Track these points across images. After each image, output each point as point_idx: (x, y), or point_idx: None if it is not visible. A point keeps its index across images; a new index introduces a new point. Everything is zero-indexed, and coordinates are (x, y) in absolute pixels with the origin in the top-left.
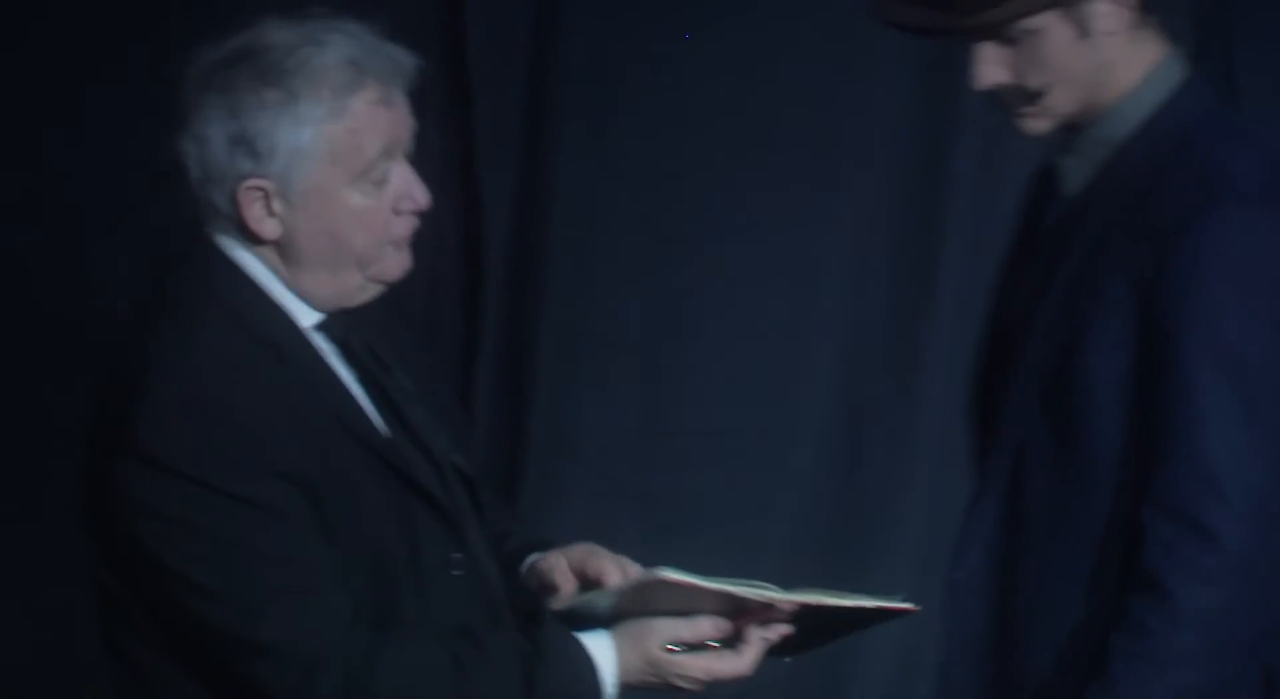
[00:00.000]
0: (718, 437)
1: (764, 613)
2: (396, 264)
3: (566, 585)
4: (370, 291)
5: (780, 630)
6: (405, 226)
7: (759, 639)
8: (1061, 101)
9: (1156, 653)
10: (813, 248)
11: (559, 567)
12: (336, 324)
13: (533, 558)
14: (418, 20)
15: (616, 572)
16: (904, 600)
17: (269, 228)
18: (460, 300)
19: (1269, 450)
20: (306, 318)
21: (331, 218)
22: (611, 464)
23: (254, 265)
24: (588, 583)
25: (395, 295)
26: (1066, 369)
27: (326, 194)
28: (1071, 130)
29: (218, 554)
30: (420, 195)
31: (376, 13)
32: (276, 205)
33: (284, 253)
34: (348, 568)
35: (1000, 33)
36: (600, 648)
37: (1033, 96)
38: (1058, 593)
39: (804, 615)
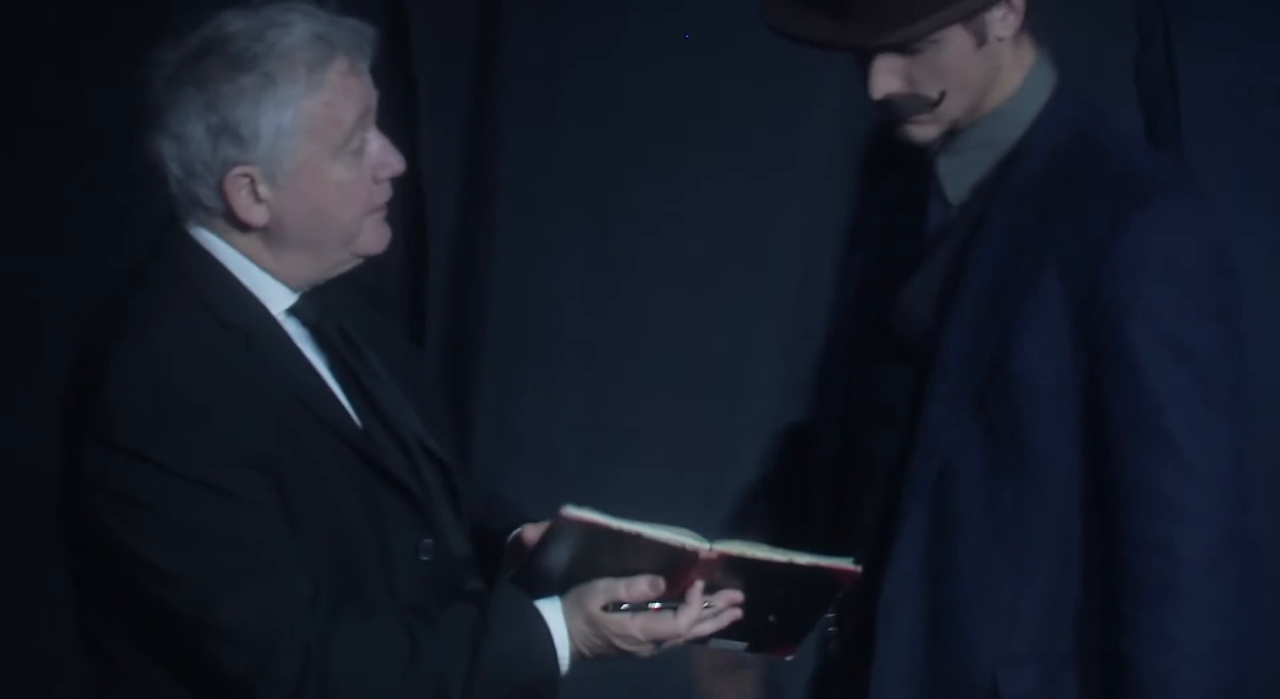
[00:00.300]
0: (663, 433)
1: (698, 569)
2: (378, 238)
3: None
4: (350, 264)
5: (729, 597)
6: (384, 194)
7: (699, 600)
8: (955, 108)
9: (1190, 657)
10: (757, 245)
11: (531, 537)
12: (310, 308)
13: (515, 533)
14: (360, 14)
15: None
16: (850, 561)
17: (257, 214)
18: (404, 296)
19: (1232, 436)
20: (279, 303)
21: (318, 194)
22: (557, 460)
23: (226, 252)
24: None
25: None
26: (998, 376)
27: (312, 170)
28: (949, 134)
29: (177, 538)
30: (396, 160)
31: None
32: (263, 190)
33: (270, 237)
34: (311, 553)
35: (903, 46)
36: (551, 612)
37: (928, 104)
38: (1002, 598)
39: (742, 576)
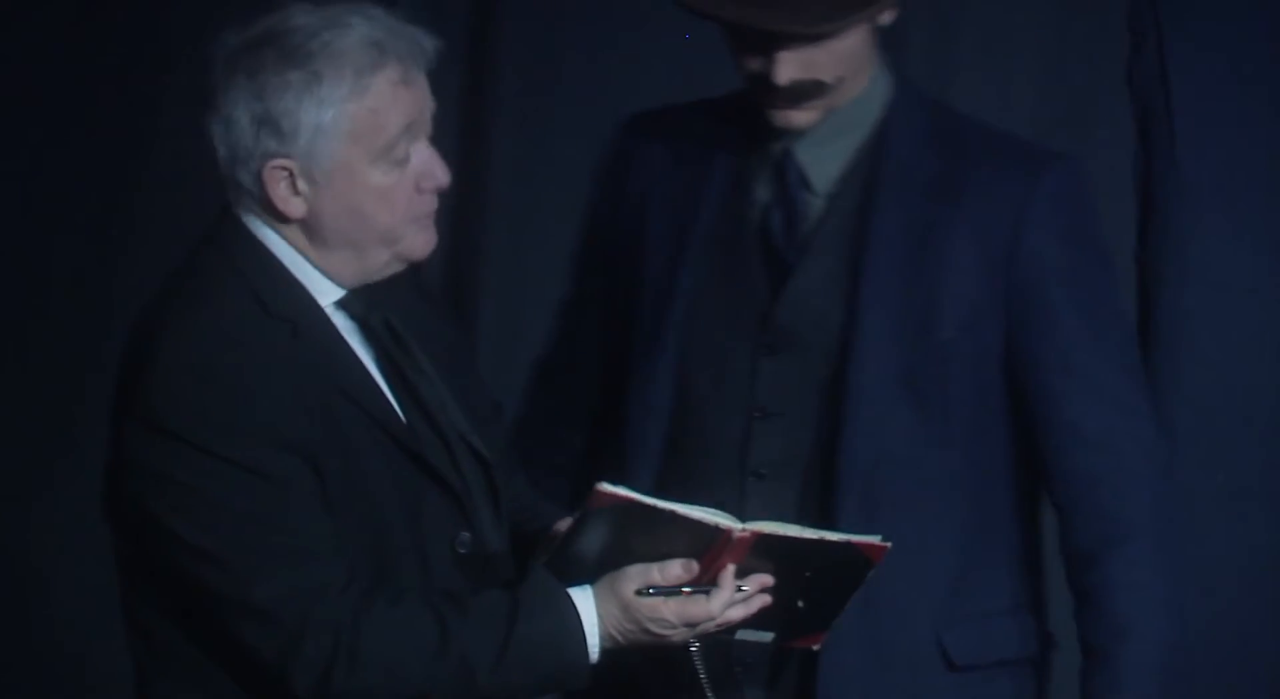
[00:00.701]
0: None
1: (728, 549)
2: (423, 242)
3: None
4: (395, 267)
5: (760, 581)
6: (427, 204)
7: (731, 583)
8: (844, 93)
9: (1151, 589)
10: None
11: (562, 529)
12: (358, 301)
13: (550, 530)
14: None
15: None
16: (879, 538)
17: (294, 207)
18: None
19: (1142, 376)
20: (328, 295)
21: (355, 196)
22: None
23: (277, 243)
24: None
25: None
26: (926, 349)
27: (349, 172)
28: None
29: (215, 518)
30: (441, 174)
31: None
32: (301, 184)
33: (310, 231)
34: (346, 540)
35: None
36: (583, 599)
37: (823, 89)
38: (940, 565)
39: (777, 558)
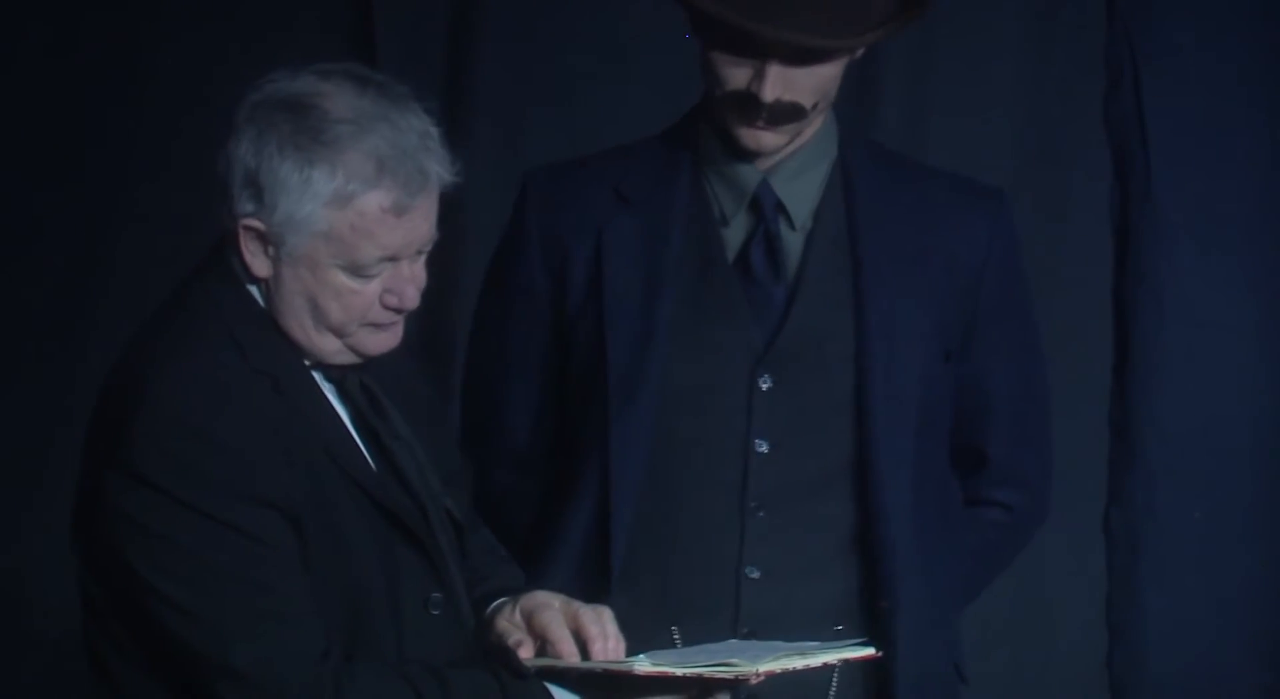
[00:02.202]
0: None
1: (731, 683)
2: (376, 341)
3: (515, 632)
4: (347, 358)
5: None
6: (386, 316)
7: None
8: (813, 122)
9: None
10: None
11: (510, 615)
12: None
13: (496, 603)
14: (331, 46)
15: (559, 630)
16: (864, 646)
17: (260, 266)
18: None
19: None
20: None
21: (313, 285)
22: None
23: (256, 290)
24: (533, 632)
25: None
26: (920, 371)
27: (313, 264)
28: (774, 163)
29: (196, 575)
30: (409, 298)
31: (296, 42)
32: (270, 249)
33: (271, 293)
34: (324, 598)
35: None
36: None
37: (800, 113)
38: (934, 572)
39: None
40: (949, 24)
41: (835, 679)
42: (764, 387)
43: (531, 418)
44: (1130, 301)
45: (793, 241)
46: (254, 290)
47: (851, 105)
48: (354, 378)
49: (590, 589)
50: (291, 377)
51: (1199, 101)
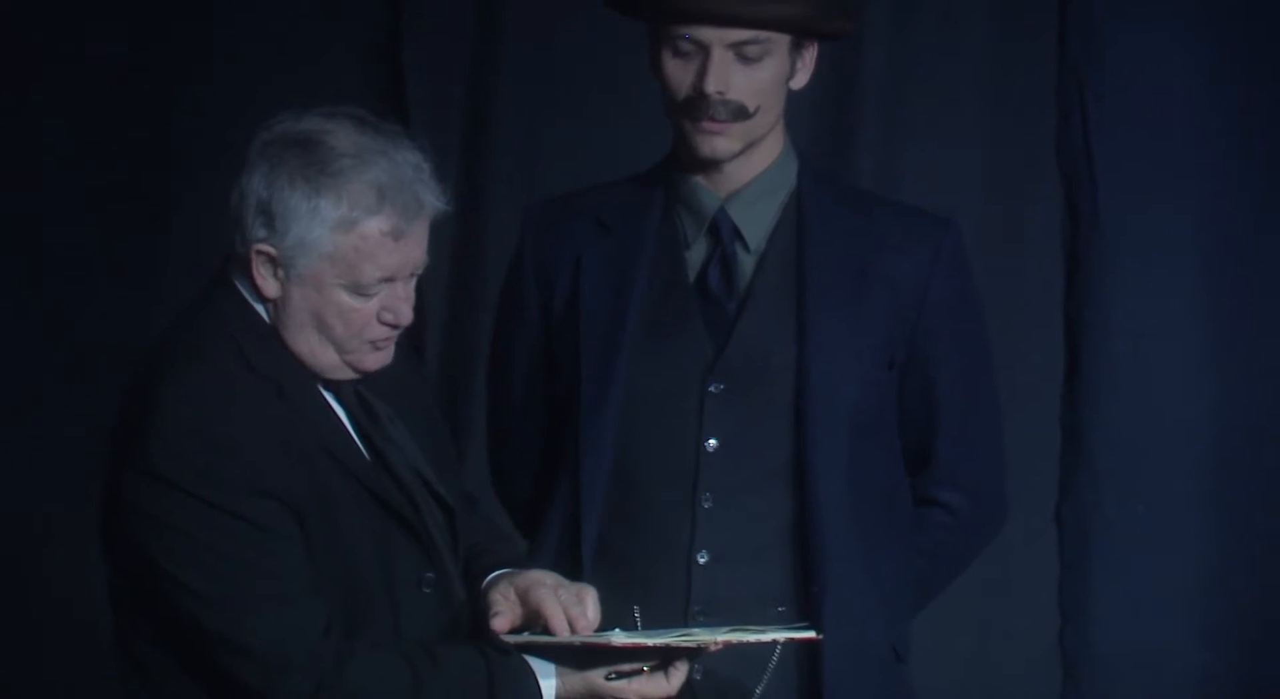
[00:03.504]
0: None
1: (694, 652)
2: (373, 359)
3: (505, 606)
4: (345, 373)
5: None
6: (382, 333)
7: (684, 668)
8: (758, 128)
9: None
10: None
11: (505, 591)
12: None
13: (493, 575)
14: (365, 85)
15: (554, 606)
16: (806, 629)
17: (270, 287)
18: (404, 335)
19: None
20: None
21: (319, 303)
22: None
23: (263, 309)
24: (527, 606)
25: None
26: (859, 382)
27: (319, 284)
28: (733, 192)
29: (208, 561)
30: (405, 315)
31: (333, 83)
32: (280, 271)
33: (279, 311)
34: (325, 580)
35: (749, 48)
36: (546, 678)
37: (744, 114)
38: (878, 574)
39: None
40: (918, 68)
41: (776, 654)
42: (714, 391)
43: (536, 423)
44: (1079, 317)
45: (747, 263)
46: (260, 308)
47: (832, 137)
48: (349, 386)
49: (567, 571)
50: (294, 382)
51: (1142, 136)
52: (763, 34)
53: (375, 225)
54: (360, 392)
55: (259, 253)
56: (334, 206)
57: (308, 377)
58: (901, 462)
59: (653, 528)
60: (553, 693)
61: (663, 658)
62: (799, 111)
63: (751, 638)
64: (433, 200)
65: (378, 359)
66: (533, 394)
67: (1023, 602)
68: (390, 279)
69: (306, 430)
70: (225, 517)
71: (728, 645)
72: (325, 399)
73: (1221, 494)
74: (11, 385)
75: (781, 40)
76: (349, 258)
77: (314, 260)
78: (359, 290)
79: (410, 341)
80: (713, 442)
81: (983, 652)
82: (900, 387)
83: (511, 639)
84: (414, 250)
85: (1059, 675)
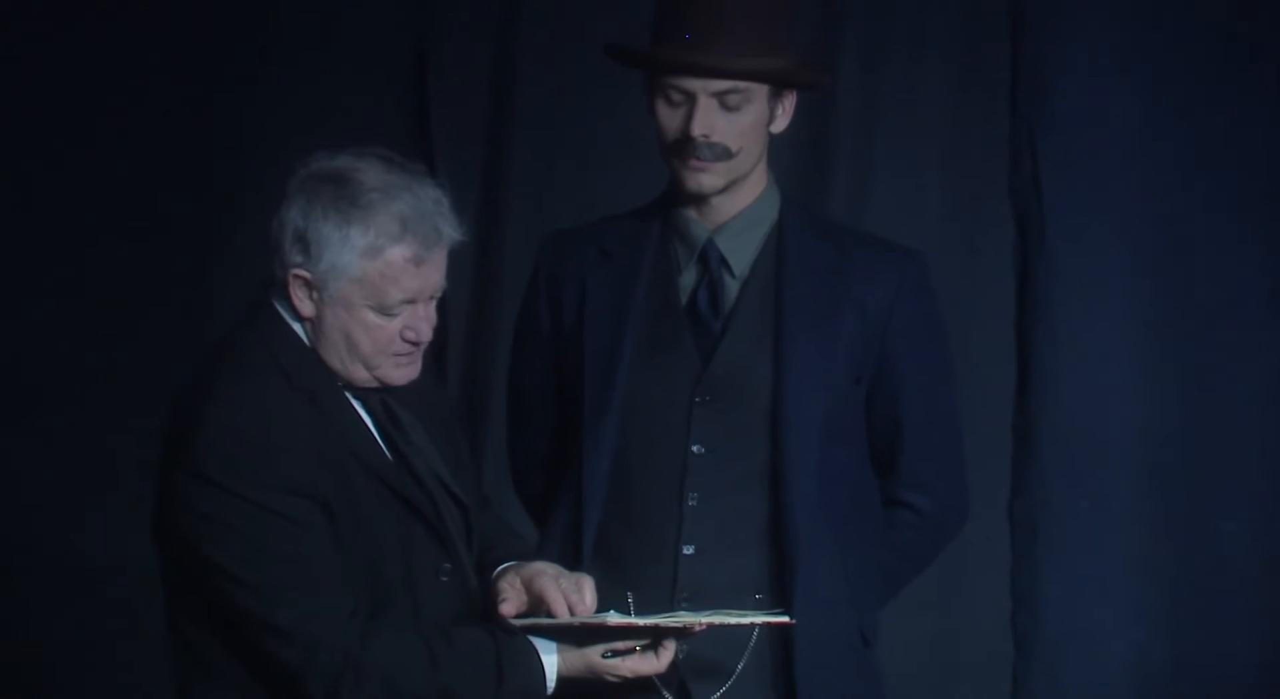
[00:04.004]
0: None
1: (679, 632)
2: (400, 374)
3: (512, 593)
4: (374, 386)
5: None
6: (405, 349)
7: (673, 648)
8: (740, 166)
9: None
10: None
11: (511, 580)
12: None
13: (502, 567)
14: (395, 133)
15: (555, 592)
16: (786, 615)
17: (306, 307)
18: (429, 354)
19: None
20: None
21: (349, 321)
22: None
23: (299, 326)
24: (531, 594)
25: None
26: (832, 394)
27: (348, 304)
28: (721, 224)
29: (249, 552)
30: (425, 332)
31: (367, 131)
32: (314, 293)
33: (314, 329)
34: (351, 570)
35: (730, 97)
36: (549, 655)
37: (727, 154)
38: (846, 566)
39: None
40: (885, 113)
41: (754, 637)
42: (700, 402)
43: (547, 429)
44: (1030, 333)
45: (732, 287)
46: (296, 326)
47: (809, 172)
48: (375, 396)
49: (569, 560)
50: (327, 393)
51: (1084, 174)
52: (742, 84)
53: (399, 252)
54: (386, 401)
55: (296, 276)
56: (362, 235)
57: (339, 388)
58: (870, 466)
59: (645, 523)
60: (554, 669)
61: (653, 637)
62: (780, 150)
63: (732, 621)
64: (450, 231)
65: (404, 374)
66: (544, 402)
67: (979, 587)
68: (412, 301)
69: (337, 436)
70: (264, 513)
71: (710, 627)
72: (355, 408)
73: (1155, 492)
74: (67, 387)
75: (761, 89)
76: (375, 281)
77: (344, 283)
78: (384, 310)
79: (434, 359)
80: (698, 447)
81: (943, 631)
82: (868, 399)
83: (518, 622)
84: (433, 275)
85: (1011, 652)
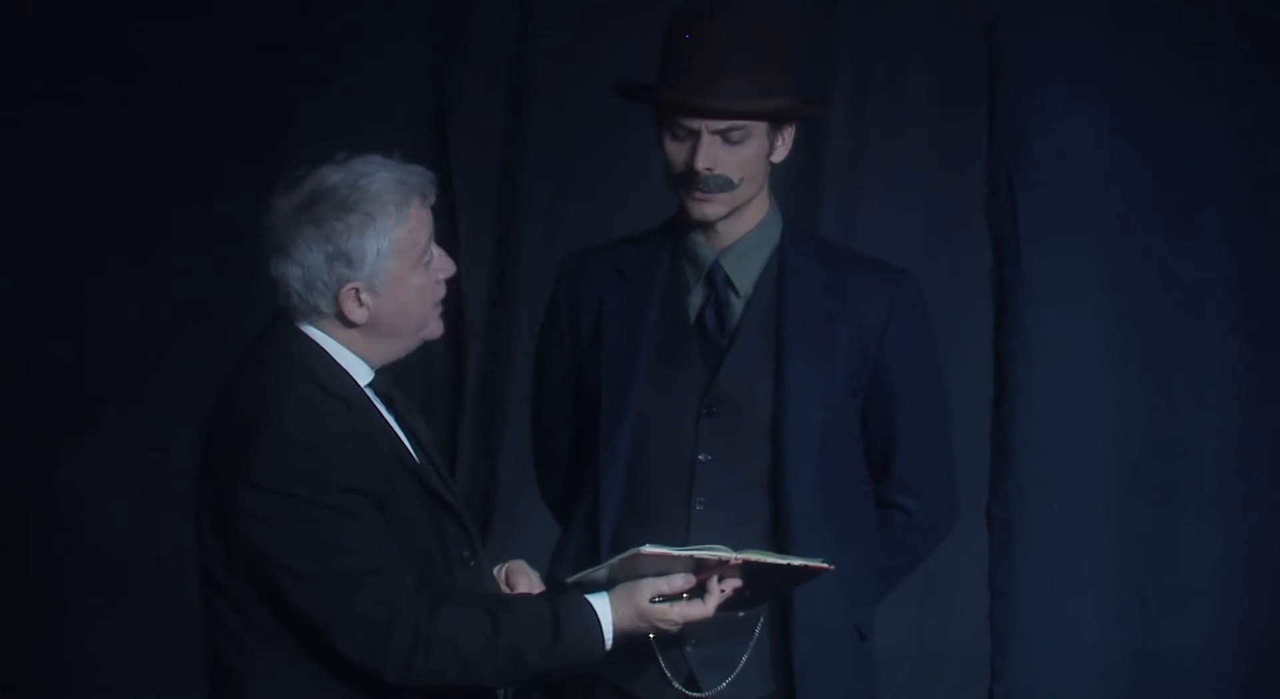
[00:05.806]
0: None
1: (720, 568)
2: (438, 326)
3: (516, 579)
4: (415, 346)
5: (733, 584)
6: (443, 291)
7: (717, 590)
8: (741, 195)
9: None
10: None
11: (495, 576)
12: (382, 383)
13: (499, 568)
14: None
15: (526, 584)
16: (822, 561)
17: (360, 315)
18: (448, 372)
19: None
20: (362, 378)
21: (404, 297)
22: None
23: (325, 340)
24: (510, 586)
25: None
26: (830, 406)
27: (399, 281)
28: (727, 246)
29: (317, 551)
30: (450, 266)
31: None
32: (365, 297)
33: (367, 330)
34: (400, 558)
35: (732, 133)
36: (601, 604)
37: (729, 185)
38: (845, 568)
39: (747, 571)
40: (872, 144)
41: (758, 629)
42: (707, 414)
43: (568, 437)
44: (1006, 350)
45: (737, 306)
46: (322, 341)
47: (803, 197)
48: (397, 395)
49: (588, 558)
50: (357, 399)
51: (1057, 202)
52: (742, 121)
53: (413, 205)
54: (395, 397)
55: (348, 292)
56: (386, 215)
57: (365, 394)
58: (865, 471)
59: (656, 524)
60: (609, 615)
61: (691, 569)
62: (776, 176)
63: (771, 559)
64: (426, 173)
65: (439, 326)
66: (565, 413)
67: (959, 583)
68: (431, 237)
69: (373, 438)
70: (329, 512)
71: (746, 563)
72: (381, 411)
73: (1121, 495)
74: (117, 394)
75: (761, 125)
76: (410, 241)
77: (392, 263)
78: (422, 262)
79: (453, 375)
80: (705, 455)
81: (926, 624)
82: (863, 409)
83: (568, 580)
84: (430, 213)
85: (989, 643)
